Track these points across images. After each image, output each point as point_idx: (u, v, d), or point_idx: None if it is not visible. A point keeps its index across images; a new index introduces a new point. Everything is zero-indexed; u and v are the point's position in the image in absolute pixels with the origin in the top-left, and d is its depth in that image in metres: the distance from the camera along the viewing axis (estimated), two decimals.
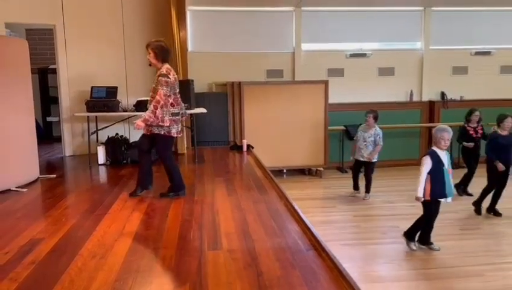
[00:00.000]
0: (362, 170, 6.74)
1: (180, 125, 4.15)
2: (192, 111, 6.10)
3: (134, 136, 6.45)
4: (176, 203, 3.94)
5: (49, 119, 8.75)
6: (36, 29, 8.35)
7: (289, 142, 8.03)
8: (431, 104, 9.07)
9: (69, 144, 6.65)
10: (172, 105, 3.97)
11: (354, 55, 8.98)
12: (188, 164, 5.98)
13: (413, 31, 9.11)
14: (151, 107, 3.89)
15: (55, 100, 7.55)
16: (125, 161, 5.86)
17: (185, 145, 6.81)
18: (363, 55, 9.00)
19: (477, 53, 9.21)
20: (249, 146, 6.91)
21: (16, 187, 4.52)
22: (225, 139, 7.62)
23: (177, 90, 4.08)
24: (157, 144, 4.08)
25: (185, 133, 6.75)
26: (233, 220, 3.43)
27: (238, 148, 7.00)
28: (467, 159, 6.58)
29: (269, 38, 8.76)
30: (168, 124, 3.94)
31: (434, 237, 4.56)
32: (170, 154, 4.18)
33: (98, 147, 5.88)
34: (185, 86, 6.32)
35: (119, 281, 2.38)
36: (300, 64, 8.85)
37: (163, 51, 4.00)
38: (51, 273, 2.49)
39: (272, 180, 4.76)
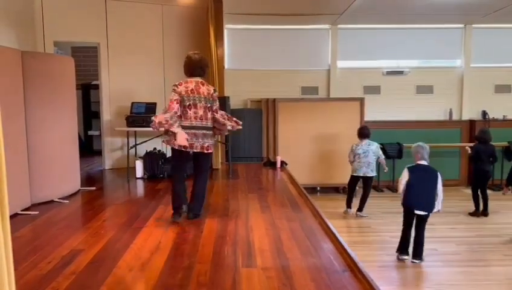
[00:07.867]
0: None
1: None
2: None
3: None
4: (210, 218, 3.97)
5: (90, 133, 9.09)
6: (81, 47, 8.75)
7: (323, 159, 7.96)
8: (471, 123, 8.78)
9: (109, 158, 6.87)
10: None
11: (391, 73, 8.86)
12: (222, 179, 6.03)
13: (453, 49, 8.92)
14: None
15: (97, 115, 7.85)
16: (161, 175, 5.98)
17: (220, 160, 6.87)
18: (400, 72, 8.87)
19: None
20: (282, 162, 6.89)
21: (59, 198, 4.70)
22: (259, 156, 7.64)
23: None
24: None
25: (219, 149, 6.83)
26: (267, 238, 3.42)
27: (271, 164, 7.00)
28: None
29: (305, 55, 8.80)
30: None
31: (477, 261, 4.37)
32: None
33: (136, 161, 6.03)
34: (221, 102, 6.40)
35: None
36: (336, 82, 8.82)
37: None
38: (90, 284, 2.56)
39: (306, 197, 4.71)
